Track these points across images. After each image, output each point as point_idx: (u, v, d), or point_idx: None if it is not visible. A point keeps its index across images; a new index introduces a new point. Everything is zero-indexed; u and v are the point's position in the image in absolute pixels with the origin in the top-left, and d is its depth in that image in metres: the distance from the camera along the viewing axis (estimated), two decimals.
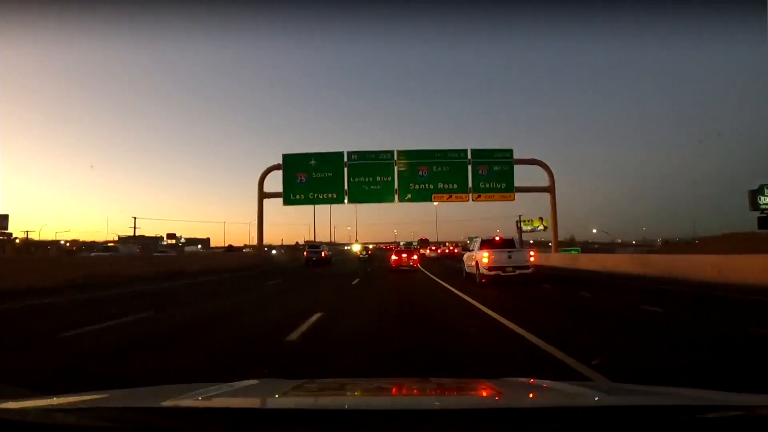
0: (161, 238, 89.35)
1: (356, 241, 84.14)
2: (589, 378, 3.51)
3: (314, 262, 31.74)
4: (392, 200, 28.21)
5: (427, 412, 1.28)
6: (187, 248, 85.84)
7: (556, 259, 26.55)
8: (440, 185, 28.00)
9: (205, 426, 1.11)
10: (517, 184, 28.34)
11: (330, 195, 28.37)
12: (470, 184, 28.09)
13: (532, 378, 1.96)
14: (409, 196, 28.05)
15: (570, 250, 50.62)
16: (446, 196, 28.13)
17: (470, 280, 14.29)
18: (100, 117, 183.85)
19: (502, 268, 12.85)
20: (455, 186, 28.02)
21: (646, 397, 1.52)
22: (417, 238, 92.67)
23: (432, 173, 28.02)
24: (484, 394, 1.70)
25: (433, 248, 66.06)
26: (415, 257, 25.25)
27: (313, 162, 28.57)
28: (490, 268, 12.90)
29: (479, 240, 14.81)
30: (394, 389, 1.84)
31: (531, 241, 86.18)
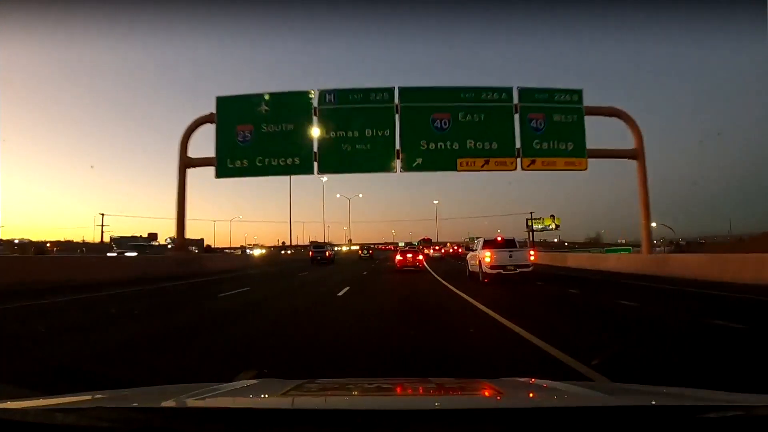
0: (141, 237, 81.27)
1: (349, 241, 77.51)
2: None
3: (319, 261, 32.81)
4: (391, 168, 17.33)
5: (426, 412, 1.28)
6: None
7: (680, 265, 15.08)
8: (469, 144, 17.17)
9: (205, 426, 1.11)
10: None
11: (289, 161, 17.46)
12: (518, 144, 17.35)
13: (532, 378, 1.93)
14: (418, 161, 17.19)
15: (618, 250, 40.53)
16: (480, 161, 17.26)
17: (473, 279, 14.38)
18: (97, 115, 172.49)
19: (503, 267, 13.28)
20: (494, 146, 17.21)
21: (647, 397, 1.52)
22: (415, 239, 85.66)
23: (456, 125, 17.19)
24: (484, 394, 1.69)
25: (437, 248, 60.64)
26: (421, 257, 23.10)
27: (263, 108, 17.66)
28: (492, 267, 13.30)
29: (482, 240, 14.78)
30: (393, 389, 1.84)
31: (555, 240, 77.03)
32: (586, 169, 17.83)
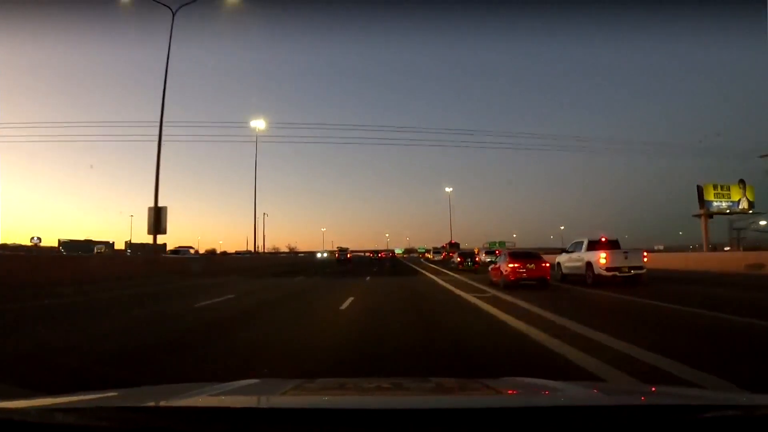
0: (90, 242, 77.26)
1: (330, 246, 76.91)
2: None
3: (342, 262, 45.04)
4: None
5: (426, 412, 1.27)
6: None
7: None
8: None
9: (205, 426, 1.10)
10: None
11: None
12: None
13: (532, 378, 1.94)
14: None
15: None
16: None
17: (574, 282, 14.21)
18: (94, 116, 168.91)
19: (618, 269, 12.89)
20: None
21: (647, 397, 1.55)
22: (414, 243, 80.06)
23: None
24: (484, 393, 1.70)
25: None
26: (546, 265, 13.63)
27: None
28: (608, 269, 12.95)
29: (585, 241, 14.51)
30: (393, 389, 1.84)
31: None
32: None
